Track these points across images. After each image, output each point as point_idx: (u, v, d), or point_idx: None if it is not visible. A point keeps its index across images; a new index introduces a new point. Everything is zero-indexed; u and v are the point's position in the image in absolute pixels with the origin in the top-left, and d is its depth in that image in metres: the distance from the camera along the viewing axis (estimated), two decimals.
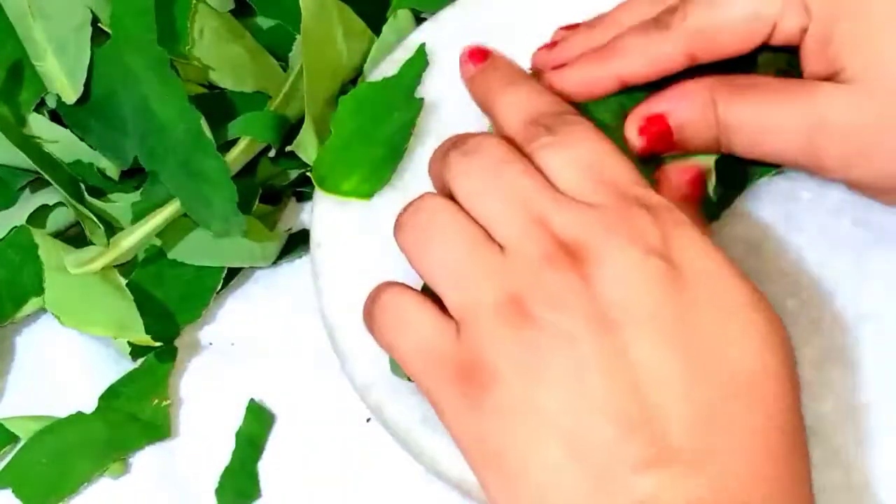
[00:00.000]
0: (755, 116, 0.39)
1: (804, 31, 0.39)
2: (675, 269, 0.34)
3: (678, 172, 0.41)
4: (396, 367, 0.41)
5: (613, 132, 0.40)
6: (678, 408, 0.33)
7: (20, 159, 0.48)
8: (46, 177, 0.48)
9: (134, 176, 0.50)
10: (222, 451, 0.47)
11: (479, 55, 0.44)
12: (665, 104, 0.40)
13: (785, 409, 0.34)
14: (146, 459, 0.48)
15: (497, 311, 0.35)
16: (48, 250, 0.48)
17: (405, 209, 0.39)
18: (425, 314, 0.37)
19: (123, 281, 0.49)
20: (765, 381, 0.34)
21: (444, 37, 0.49)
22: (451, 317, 0.36)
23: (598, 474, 0.33)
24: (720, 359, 0.34)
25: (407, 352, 0.37)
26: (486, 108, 0.43)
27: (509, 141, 0.39)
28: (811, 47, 0.40)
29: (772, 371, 0.34)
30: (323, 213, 0.47)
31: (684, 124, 0.40)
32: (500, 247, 0.36)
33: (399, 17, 0.51)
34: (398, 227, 0.39)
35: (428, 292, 0.38)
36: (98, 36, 0.48)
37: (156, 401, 0.48)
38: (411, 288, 0.38)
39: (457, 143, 0.39)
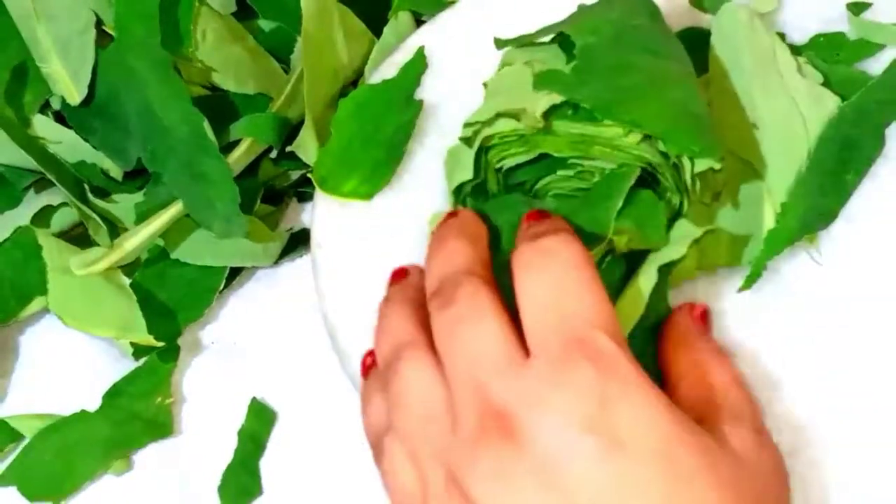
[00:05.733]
0: None
1: None
2: (614, 442, 0.33)
3: (686, 311, 0.41)
4: None
5: None
6: None
7: (24, 160, 0.48)
8: (50, 177, 0.48)
9: (137, 177, 0.51)
10: (225, 449, 0.48)
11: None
12: None
13: None
14: (149, 457, 0.48)
15: (443, 493, 0.35)
16: (52, 251, 0.48)
17: (388, 354, 0.38)
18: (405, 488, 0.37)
19: (127, 281, 0.49)
20: None
21: (443, 39, 0.49)
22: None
23: None
24: None
25: None
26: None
27: None
28: None
29: None
30: (324, 214, 0.47)
31: None
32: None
33: (399, 19, 0.52)
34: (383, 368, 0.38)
35: None
36: (102, 38, 0.49)
37: (159, 399, 0.49)
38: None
39: (438, 289, 0.38)
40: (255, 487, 0.47)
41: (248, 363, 0.50)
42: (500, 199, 0.43)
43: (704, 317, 0.41)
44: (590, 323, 0.34)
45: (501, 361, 0.35)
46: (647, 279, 0.40)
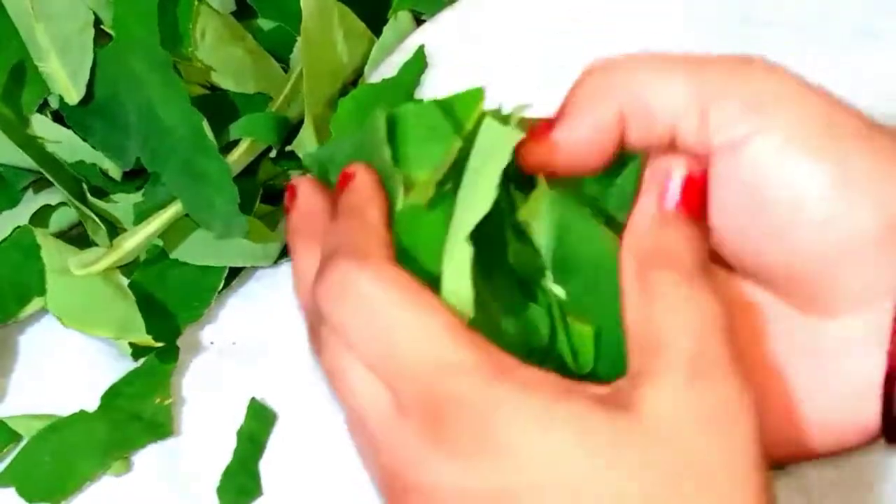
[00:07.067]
0: None
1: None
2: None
3: None
4: None
5: None
6: None
7: (23, 159, 0.48)
8: (49, 177, 0.48)
9: (136, 177, 0.50)
10: (224, 450, 0.48)
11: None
12: None
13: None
14: (148, 458, 0.48)
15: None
16: (50, 251, 0.48)
17: None
18: None
19: (125, 281, 0.49)
20: None
21: (443, 39, 0.49)
22: None
23: None
24: None
25: None
26: None
27: None
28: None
29: None
30: None
31: None
32: None
33: (399, 18, 0.52)
34: None
35: None
36: (101, 37, 0.49)
37: (158, 399, 0.49)
38: None
39: None
40: (254, 488, 0.47)
41: (247, 363, 0.50)
42: None
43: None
44: None
45: None
46: None
